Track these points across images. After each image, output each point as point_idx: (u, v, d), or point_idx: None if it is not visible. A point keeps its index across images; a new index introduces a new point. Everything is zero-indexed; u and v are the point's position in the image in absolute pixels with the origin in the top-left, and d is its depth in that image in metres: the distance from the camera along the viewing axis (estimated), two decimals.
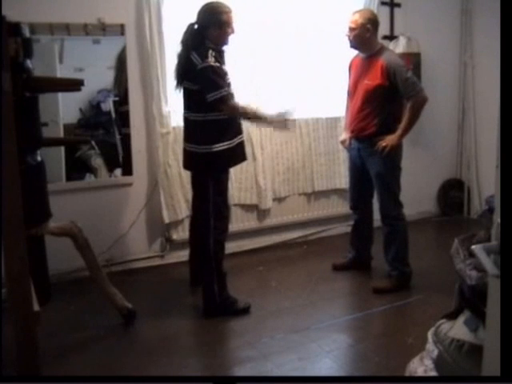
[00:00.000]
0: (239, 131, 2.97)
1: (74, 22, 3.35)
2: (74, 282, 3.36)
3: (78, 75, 3.47)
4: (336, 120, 4.27)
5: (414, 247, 3.48)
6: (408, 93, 3.12)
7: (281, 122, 2.97)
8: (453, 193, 5.02)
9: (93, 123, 3.75)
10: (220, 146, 2.83)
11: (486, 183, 4.82)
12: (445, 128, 4.91)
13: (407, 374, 1.98)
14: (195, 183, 3.04)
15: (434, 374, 1.84)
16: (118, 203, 3.67)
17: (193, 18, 2.86)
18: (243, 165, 3.45)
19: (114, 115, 3.74)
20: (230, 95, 2.81)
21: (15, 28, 2.24)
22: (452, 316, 1.87)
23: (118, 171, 3.75)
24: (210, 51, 2.75)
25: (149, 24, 3.49)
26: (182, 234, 3.79)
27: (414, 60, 4.39)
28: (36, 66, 2.57)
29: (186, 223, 3.72)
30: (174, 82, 2.91)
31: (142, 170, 3.72)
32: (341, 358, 2.62)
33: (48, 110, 3.21)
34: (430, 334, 1.93)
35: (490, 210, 1.65)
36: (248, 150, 3.54)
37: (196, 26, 2.83)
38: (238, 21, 2.94)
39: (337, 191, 4.38)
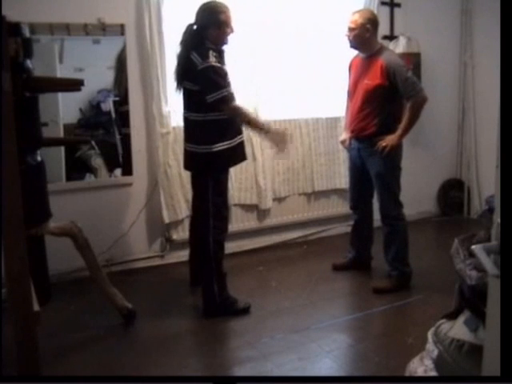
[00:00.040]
0: (239, 131, 2.97)
1: (74, 22, 3.35)
2: (74, 282, 3.36)
3: (78, 75, 3.47)
4: (336, 120, 4.27)
5: (413, 247, 3.48)
6: (408, 93, 3.12)
7: (278, 140, 2.96)
8: (453, 193, 5.02)
9: (93, 123, 3.74)
10: (220, 146, 2.83)
11: (486, 183, 4.82)
12: (445, 128, 4.91)
13: (407, 373, 1.98)
14: (195, 183, 3.05)
15: (434, 374, 1.84)
16: (118, 203, 3.67)
17: (193, 18, 2.86)
18: (243, 165, 3.45)
19: (114, 115, 3.74)
20: (231, 95, 2.81)
21: (15, 28, 2.24)
22: (452, 316, 1.87)
23: (118, 171, 3.75)
24: (211, 51, 2.75)
25: (149, 24, 3.49)
26: (182, 233, 3.79)
27: (413, 60, 4.39)
28: (36, 66, 2.57)
29: (186, 223, 3.72)
30: (174, 84, 2.91)
31: (142, 170, 3.72)
32: (341, 357, 2.62)
33: (48, 110, 3.21)
34: (429, 334, 1.93)
35: (490, 210, 1.65)
36: (248, 149, 3.54)
37: (195, 27, 2.83)
38: (236, 20, 2.94)
39: (337, 191, 4.38)
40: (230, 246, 3.53)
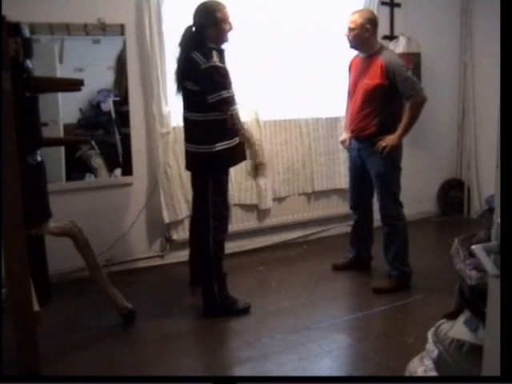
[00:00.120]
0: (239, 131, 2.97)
1: (74, 22, 3.35)
2: (74, 282, 3.36)
3: (78, 75, 3.47)
4: (336, 120, 4.27)
5: (413, 247, 3.48)
6: (407, 92, 3.12)
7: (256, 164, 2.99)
8: (453, 193, 5.02)
9: (93, 123, 3.74)
10: (220, 146, 2.83)
11: (486, 183, 4.82)
12: (445, 128, 4.91)
13: (407, 374, 1.98)
14: (195, 183, 3.05)
15: (434, 373, 1.84)
16: (118, 203, 3.67)
17: (191, 19, 2.86)
18: (243, 165, 3.44)
19: (114, 115, 3.74)
20: (231, 98, 2.81)
21: (15, 28, 2.24)
22: (452, 316, 1.87)
23: (118, 171, 3.75)
24: (214, 51, 2.75)
25: (149, 24, 3.49)
26: (182, 233, 3.79)
27: (414, 60, 4.39)
28: (36, 66, 2.57)
29: (186, 223, 3.72)
30: (175, 86, 2.91)
31: (142, 170, 3.72)
32: (341, 357, 2.62)
33: (48, 110, 3.21)
34: (429, 334, 1.93)
35: (490, 210, 1.65)
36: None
37: (194, 28, 2.82)
38: (234, 17, 2.93)
39: (337, 191, 4.38)
40: (230, 246, 3.53)
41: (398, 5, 4.51)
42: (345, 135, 3.53)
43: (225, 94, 2.74)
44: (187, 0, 3.38)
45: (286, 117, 4.11)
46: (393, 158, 3.25)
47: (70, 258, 2.92)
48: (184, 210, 3.76)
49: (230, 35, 2.90)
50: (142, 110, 3.65)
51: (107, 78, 3.71)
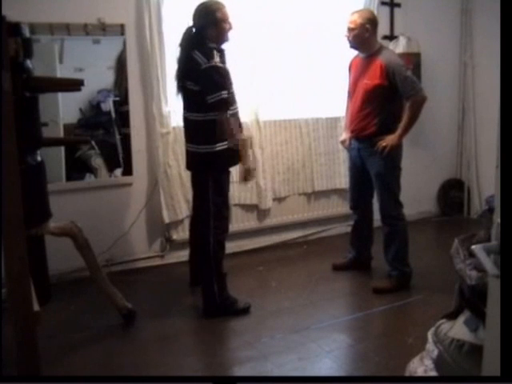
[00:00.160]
0: (241, 130, 2.97)
1: (74, 22, 3.35)
2: (74, 282, 3.36)
3: (78, 75, 3.47)
4: (336, 120, 4.27)
5: (413, 247, 3.48)
6: (407, 92, 3.12)
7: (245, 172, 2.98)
8: (453, 193, 5.02)
9: (93, 123, 3.74)
10: (220, 146, 2.83)
11: (486, 183, 4.82)
12: (445, 128, 4.91)
13: (407, 374, 1.98)
14: (195, 183, 3.05)
15: (434, 374, 1.84)
16: (118, 203, 3.67)
17: (191, 20, 2.86)
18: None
19: (114, 115, 3.74)
20: (231, 98, 2.80)
21: (15, 28, 2.24)
22: (452, 316, 1.87)
23: (118, 171, 3.75)
24: (215, 51, 2.75)
25: (149, 24, 3.49)
26: (182, 233, 3.79)
27: (413, 60, 4.39)
28: (36, 66, 2.57)
29: (186, 223, 3.72)
30: (175, 86, 2.91)
31: (142, 170, 3.72)
32: (341, 357, 2.62)
33: (48, 110, 3.21)
34: (429, 334, 1.93)
35: (490, 210, 1.65)
36: None
37: (194, 29, 2.82)
38: (234, 16, 2.93)
39: (337, 191, 4.38)
40: (230, 246, 3.53)
41: (398, 5, 4.51)
42: (345, 135, 3.53)
43: (224, 94, 2.74)
44: (187, 0, 3.38)
45: (285, 117, 4.11)
46: (393, 158, 3.25)
47: (70, 258, 2.92)
48: (184, 209, 3.76)
49: (230, 35, 2.90)
50: (142, 110, 3.65)
51: (107, 78, 3.71)
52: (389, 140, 3.19)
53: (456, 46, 4.85)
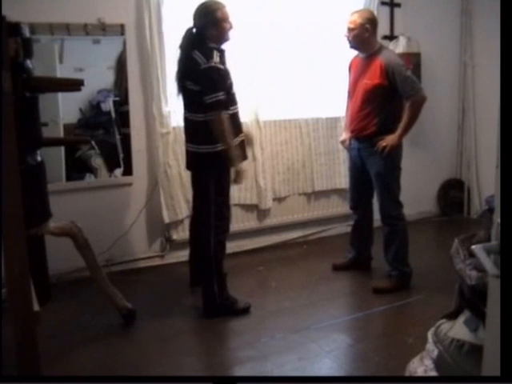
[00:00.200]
0: (239, 131, 2.97)
1: (74, 22, 3.35)
2: (74, 282, 3.36)
3: (78, 75, 3.47)
4: (336, 120, 4.27)
5: (413, 247, 3.48)
6: (407, 92, 3.12)
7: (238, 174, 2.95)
8: (453, 193, 5.02)
9: (93, 123, 3.74)
10: (220, 146, 2.83)
11: (486, 183, 4.82)
12: (445, 128, 4.91)
13: (407, 374, 1.98)
14: (195, 183, 3.05)
15: (434, 374, 1.84)
16: (118, 203, 3.67)
17: (191, 20, 2.86)
18: (243, 164, 3.44)
19: (114, 115, 3.74)
20: (232, 97, 2.80)
21: (15, 28, 2.24)
22: (452, 316, 1.87)
23: (118, 171, 3.75)
24: (215, 51, 2.75)
25: (149, 24, 3.49)
26: (182, 234, 3.79)
27: (413, 60, 4.39)
28: (36, 66, 2.57)
29: (186, 223, 3.72)
30: (175, 87, 2.90)
31: (142, 170, 3.72)
32: (341, 358, 2.62)
33: (48, 110, 3.21)
34: (429, 334, 1.93)
35: (490, 210, 1.65)
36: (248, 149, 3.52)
37: (194, 29, 2.82)
38: (234, 17, 2.93)
39: (337, 191, 4.39)
40: (230, 246, 3.53)
41: (398, 5, 4.51)
42: (345, 135, 3.53)
43: (221, 96, 2.73)
44: (187, 0, 3.38)
45: (286, 117, 4.11)
46: (393, 158, 3.25)
47: (70, 258, 2.92)
48: (184, 209, 3.76)
49: (231, 34, 2.90)
50: (142, 110, 3.65)
51: (107, 78, 3.71)
52: (389, 140, 3.19)
53: (456, 46, 4.85)
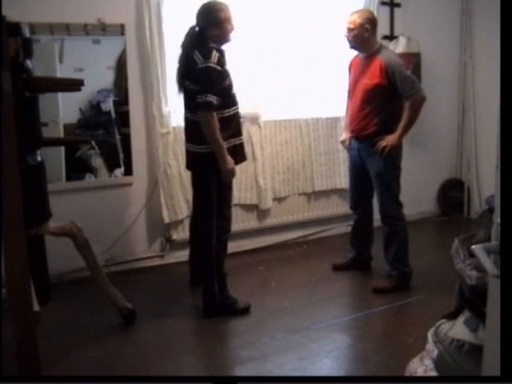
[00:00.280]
0: (239, 131, 2.97)
1: (74, 22, 3.35)
2: (74, 282, 3.36)
3: (78, 75, 3.47)
4: (336, 120, 4.27)
5: (413, 247, 3.48)
6: (407, 92, 3.12)
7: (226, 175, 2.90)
8: (453, 193, 5.02)
9: (93, 123, 3.75)
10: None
11: (486, 183, 4.82)
12: (445, 128, 4.91)
13: (407, 374, 1.98)
14: (195, 183, 3.04)
15: (434, 374, 1.84)
16: (118, 203, 3.67)
17: (193, 19, 2.86)
18: (243, 165, 3.44)
19: (114, 115, 3.74)
20: (231, 100, 2.78)
21: (15, 28, 2.24)
22: (452, 316, 1.87)
23: (118, 171, 3.75)
24: (214, 51, 2.74)
25: (149, 24, 3.49)
26: (182, 234, 3.79)
27: (413, 60, 4.39)
28: (36, 66, 2.57)
29: (186, 223, 3.73)
30: (177, 85, 2.90)
31: (142, 170, 3.72)
32: (341, 357, 2.62)
33: (48, 110, 3.21)
34: (429, 334, 1.93)
35: (490, 210, 1.65)
36: (248, 149, 3.54)
37: (197, 29, 2.82)
38: (236, 19, 2.94)
39: (337, 191, 4.39)
40: (230, 246, 3.52)
41: (398, 5, 4.51)
42: (345, 135, 3.53)
43: (210, 97, 2.71)
44: (187, 0, 3.39)
45: (286, 117, 4.11)
46: (393, 158, 3.25)
47: (70, 258, 2.92)
48: (184, 210, 3.76)
49: (232, 36, 2.90)
50: (142, 110, 3.65)
51: (107, 78, 3.71)
52: (389, 140, 3.19)
53: (456, 46, 4.85)
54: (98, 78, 3.69)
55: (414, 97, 3.12)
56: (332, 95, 4.21)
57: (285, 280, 3.55)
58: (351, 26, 3.19)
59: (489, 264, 1.16)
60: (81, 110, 3.71)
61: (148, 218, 3.78)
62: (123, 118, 3.69)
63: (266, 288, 3.44)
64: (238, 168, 3.60)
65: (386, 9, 4.47)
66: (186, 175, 3.52)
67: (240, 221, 4.00)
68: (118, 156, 3.75)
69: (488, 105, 4.58)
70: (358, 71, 3.31)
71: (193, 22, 2.86)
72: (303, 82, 4.13)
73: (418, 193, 4.72)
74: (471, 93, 4.85)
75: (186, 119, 2.96)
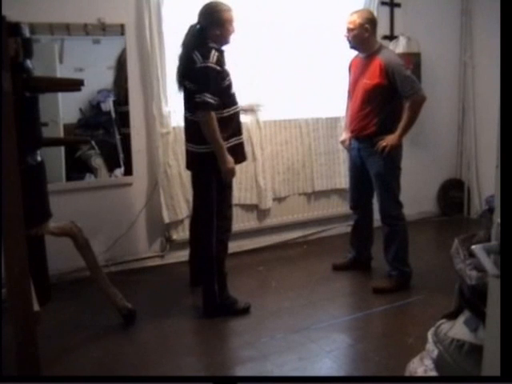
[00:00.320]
0: (239, 131, 2.97)
1: (74, 22, 3.35)
2: (74, 282, 3.36)
3: (78, 75, 3.47)
4: (336, 120, 4.27)
5: (413, 247, 3.48)
6: (406, 92, 3.12)
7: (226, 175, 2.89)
8: (453, 193, 5.02)
9: (93, 123, 3.75)
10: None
11: (486, 183, 4.82)
12: (445, 128, 4.91)
13: (407, 373, 1.98)
14: (196, 183, 3.04)
15: (434, 374, 1.84)
16: (118, 203, 3.67)
17: (193, 19, 2.87)
18: (243, 165, 3.45)
19: (114, 115, 3.74)
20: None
21: (15, 28, 2.24)
22: (452, 316, 1.87)
23: (118, 171, 3.75)
24: (213, 51, 2.74)
25: (149, 24, 3.49)
26: (182, 234, 3.79)
27: (413, 60, 4.39)
28: (36, 66, 2.57)
29: (186, 223, 3.73)
30: (176, 84, 2.90)
31: (142, 170, 3.72)
32: (341, 358, 2.62)
33: (48, 110, 3.21)
34: (429, 334, 1.93)
35: (490, 210, 1.65)
36: (248, 149, 3.54)
37: (198, 27, 2.82)
38: (238, 20, 2.94)
39: (337, 191, 4.38)
40: (230, 246, 3.51)
41: (398, 5, 4.51)
42: (345, 135, 3.53)
43: (208, 97, 2.71)
44: (187, 0, 3.39)
45: (286, 117, 4.11)
46: (393, 157, 3.25)
47: (70, 258, 2.92)
48: (184, 210, 3.76)
49: (232, 38, 2.90)
50: (142, 110, 3.65)
51: (107, 78, 3.71)
52: (389, 140, 3.19)
53: (456, 46, 4.85)
54: (98, 78, 3.69)
55: (413, 97, 3.12)
56: (332, 95, 4.21)
57: (285, 280, 3.55)
58: (351, 26, 3.19)
59: (489, 264, 1.16)
60: (81, 109, 3.71)
61: (148, 218, 3.78)
62: (123, 118, 3.69)
63: (266, 288, 3.44)
64: (238, 168, 3.61)
65: (386, 9, 4.46)
66: (186, 175, 3.52)
67: (240, 221, 4.00)
68: (118, 156, 3.75)
69: (488, 105, 4.58)
70: (357, 71, 3.31)
71: (193, 21, 2.86)
72: (303, 82, 4.13)
73: (417, 193, 4.72)
74: (471, 93, 4.85)
75: (186, 119, 2.96)
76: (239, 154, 2.99)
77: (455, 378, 1.73)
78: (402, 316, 3.07)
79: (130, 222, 3.69)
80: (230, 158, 2.83)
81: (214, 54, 2.73)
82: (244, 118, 3.35)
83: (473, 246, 1.21)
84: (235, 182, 3.87)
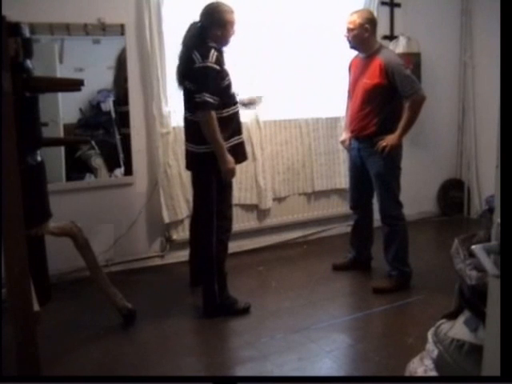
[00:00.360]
0: (239, 131, 2.97)
1: (74, 22, 3.35)
2: (74, 282, 3.36)
3: (78, 75, 3.47)
4: (336, 120, 4.27)
5: (413, 247, 3.48)
6: (406, 91, 3.12)
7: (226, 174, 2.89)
8: (453, 193, 5.02)
9: (93, 123, 3.75)
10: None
11: (486, 183, 4.82)
12: (445, 128, 4.91)
13: (407, 374, 1.98)
14: (196, 183, 3.04)
15: (434, 374, 1.84)
16: (118, 203, 3.67)
17: (193, 19, 2.87)
18: (243, 165, 3.45)
19: (114, 115, 3.74)
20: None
21: (15, 28, 2.24)
22: (452, 316, 1.87)
23: (118, 171, 3.75)
24: (213, 51, 2.74)
25: (149, 24, 3.49)
26: (182, 234, 3.79)
27: (413, 60, 4.39)
28: (36, 66, 2.57)
29: (186, 223, 3.72)
30: (176, 82, 2.90)
31: (142, 170, 3.72)
32: (341, 358, 2.62)
33: (48, 110, 3.21)
34: (429, 334, 1.93)
35: (490, 210, 1.65)
36: (248, 149, 3.52)
37: (199, 25, 2.82)
38: (239, 21, 2.94)
39: (337, 191, 4.39)
40: (230, 246, 3.51)
41: (398, 5, 4.51)
42: (345, 135, 3.53)
43: (208, 97, 2.71)
44: (187, 0, 3.39)
45: (286, 117, 4.11)
46: (393, 157, 3.25)
47: (70, 258, 2.92)
48: (184, 209, 3.76)
49: (231, 39, 2.90)
50: (142, 110, 3.65)
51: (107, 78, 3.71)
52: (389, 140, 3.19)
53: (456, 46, 4.85)
54: (98, 78, 3.70)
55: (413, 96, 3.12)
56: (332, 95, 4.21)
57: (285, 280, 3.55)
58: (351, 26, 3.19)
59: (489, 264, 1.16)
60: (81, 109, 3.71)
61: (148, 218, 3.78)
62: (123, 118, 3.69)
63: (266, 288, 3.44)
64: (238, 168, 3.60)
65: (386, 9, 4.47)
66: (186, 175, 3.52)
67: (240, 221, 4.00)
68: (118, 156, 3.75)
69: (488, 105, 4.58)
70: (357, 71, 3.31)
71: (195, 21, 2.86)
72: (303, 82, 4.13)
73: (417, 193, 4.72)
74: (471, 93, 4.85)
75: (186, 119, 2.96)
76: (239, 153, 2.99)
77: (455, 378, 1.73)
78: (402, 316, 3.07)
79: (130, 222, 3.69)
80: (230, 158, 2.83)
81: (213, 54, 2.73)
82: (244, 118, 3.35)
83: (473, 246, 1.21)
84: (235, 181, 3.87)
